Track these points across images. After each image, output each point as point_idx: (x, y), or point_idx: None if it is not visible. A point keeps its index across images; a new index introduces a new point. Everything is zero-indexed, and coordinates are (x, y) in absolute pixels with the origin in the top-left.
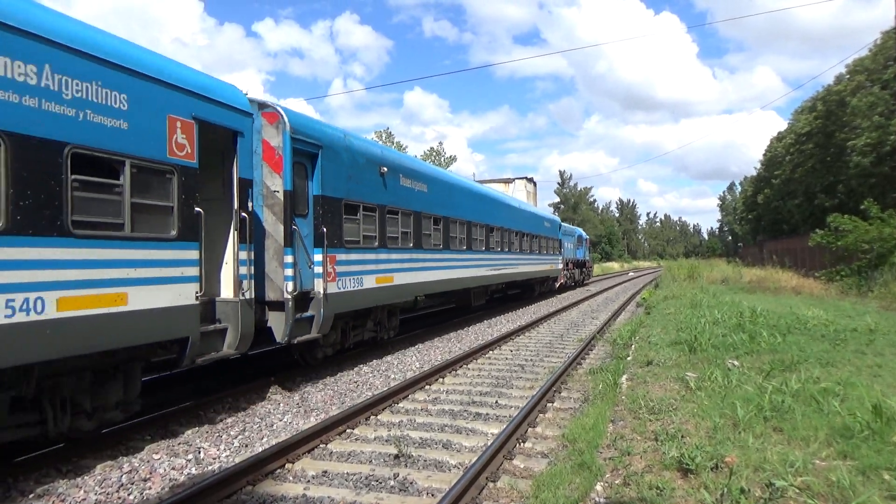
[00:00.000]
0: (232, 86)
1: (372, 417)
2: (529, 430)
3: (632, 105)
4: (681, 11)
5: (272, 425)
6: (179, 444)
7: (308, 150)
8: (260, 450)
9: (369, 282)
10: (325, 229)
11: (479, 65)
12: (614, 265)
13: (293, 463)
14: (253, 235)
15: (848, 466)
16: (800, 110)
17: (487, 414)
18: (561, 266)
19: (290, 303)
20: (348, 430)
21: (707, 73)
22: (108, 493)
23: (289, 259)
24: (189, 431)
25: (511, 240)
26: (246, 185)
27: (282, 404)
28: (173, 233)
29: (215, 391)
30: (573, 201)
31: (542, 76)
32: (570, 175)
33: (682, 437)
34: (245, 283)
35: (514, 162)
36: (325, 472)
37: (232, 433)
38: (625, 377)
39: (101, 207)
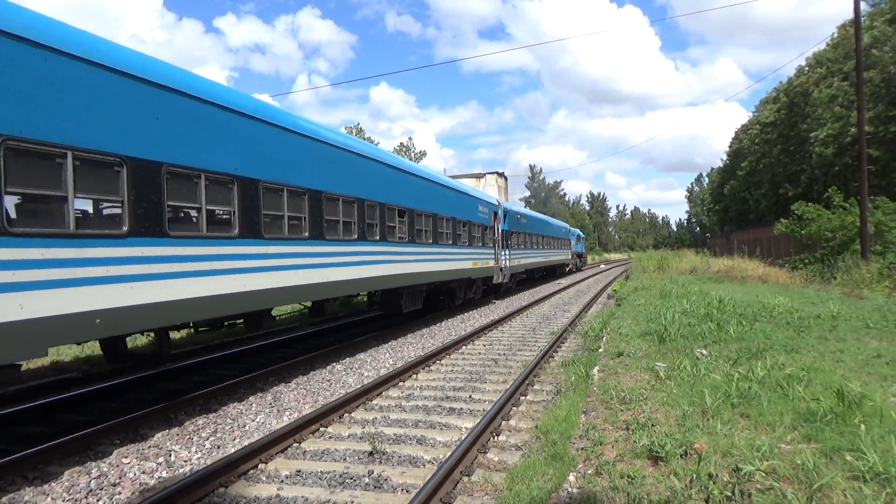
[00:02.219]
0: (490, 197)
1: (346, 415)
2: (503, 423)
3: (598, 99)
4: (643, 5)
5: (244, 426)
6: (150, 447)
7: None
8: (232, 451)
9: (524, 261)
10: (508, 241)
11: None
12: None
13: (266, 463)
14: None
15: (812, 449)
16: (765, 101)
17: (461, 409)
18: (570, 257)
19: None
20: (322, 429)
21: (670, 66)
22: (76, 500)
23: (502, 254)
24: (160, 434)
25: (549, 243)
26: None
27: (254, 404)
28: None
29: (186, 393)
30: (543, 195)
31: (509, 70)
32: (541, 169)
33: (653, 425)
34: (502, 262)
35: (483, 157)
36: (299, 471)
37: (203, 435)
38: (596, 369)
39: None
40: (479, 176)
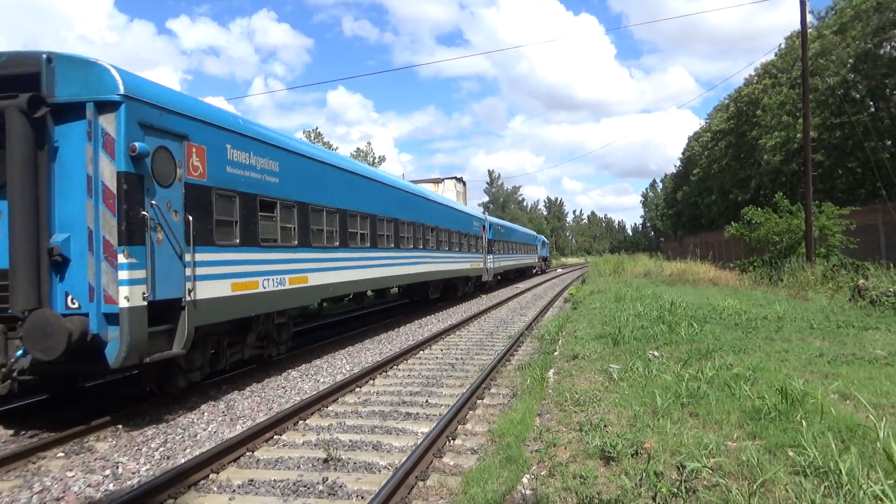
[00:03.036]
0: (479, 213)
1: (300, 422)
2: (459, 427)
3: (554, 105)
4: (599, 13)
5: (196, 435)
6: (96, 459)
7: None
8: (182, 461)
9: (503, 263)
10: (491, 248)
11: (403, 65)
12: None
13: (217, 473)
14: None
15: (757, 446)
16: (717, 109)
17: (418, 413)
18: (537, 261)
19: (487, 270)
20: (276, 437)
21: (625, 73)
22: None
23: (488, 259)
24: (107, 446)
25: (521, 249)
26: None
27: (206, 413)
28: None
29: (134, 403)
30: (502, 200)
31: (467, 76)
32: (499, 175)
33: (605, 426)
34: (488, 264)
35: (442, 161)
36: (252, 480)
37: (153, 446)
38: (552, 371)
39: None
40: (437, 181)
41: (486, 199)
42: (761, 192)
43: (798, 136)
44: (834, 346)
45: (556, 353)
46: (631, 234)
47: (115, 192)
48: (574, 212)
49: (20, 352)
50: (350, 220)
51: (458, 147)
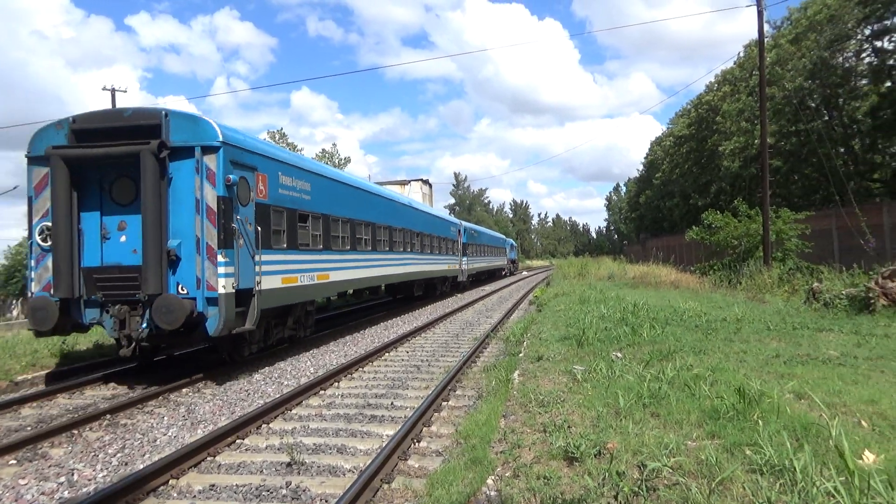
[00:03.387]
0: (455, 219)
1: (264, 426)
2: (424, 429)
3: (519, 108)
4: (563, 18)
5: (155, 440)
6: (50, 466)
7: (464, 230)
8: (141, 467)
9: (475, 265)
10: (465, 251)
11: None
12: None
13: (178, 479)
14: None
15: (715, 445)
16: (679, 115)
17: (383, 416)
18: (506, 263)
19: (462, 271)
20: (238, 441)
21: (588, 78)
22: None
23: (462, 261)
24: (62, 452)
25: (492, 251)
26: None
27: (166, 418)
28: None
29: (91, 408)
30: (468, 202)
31: (433, 79)
32: (465, 177)
33: (569, 427)
34: (463, 266)
35: (407, 164)
36: (213, 485)
37: (110, 451)
38: (517, 373)
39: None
40: (403, 183)
41: (453, 201)
42: (721, 197)
43: (756, 142)
44: (790, 347)
45: (521, 355)
46: (595, 237)
47: (215, 210)
48: (539, 214)
49: (144, 324)
50: (357, 228)
51: (424, 149)
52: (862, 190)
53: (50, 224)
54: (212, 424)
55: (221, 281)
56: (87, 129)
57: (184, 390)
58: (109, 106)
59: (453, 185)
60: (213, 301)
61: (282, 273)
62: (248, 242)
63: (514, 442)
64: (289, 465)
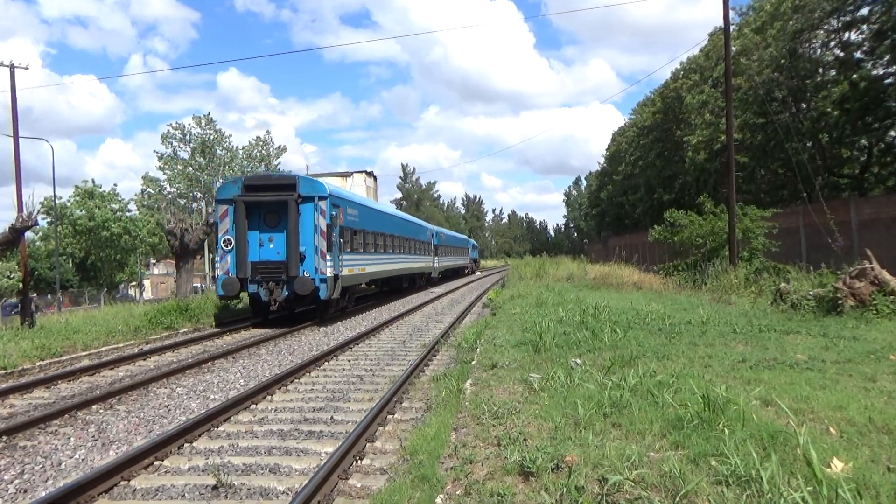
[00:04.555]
0: (429, 224)
1: (186, 445)
2: (367, 445)
3: (470, 95)
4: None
5: (60, 464)
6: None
7: (436, 233)
8: (43, 494)
9: (444, 264)
10: (437, 252)
11: (303, 47)
12: None
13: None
14: (433, 253)
15: (679, 456)
16: (642, 104)
17: (321, 431)
18: (469, 262)
19: (434, 268)
20: (157, 462)
21: (544, 64)
22: None
23: (434, 260)
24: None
25: (458, 252)
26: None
27: (73, 438)
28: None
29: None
30: (417, 197)
31: (376, 61)
32: (413, 169)
33: (525, 440)
34: (435, 264)
35: (349, 154)
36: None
37: (6, 478)
38: (469, 382)
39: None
40: (345, 175)
41: (399, 195)
42: (686, 192)
43: (722, 137)
44: (756, 351)
45: (473, 363)
46: (553, 235)
47: (325, 231)
48: (494, 210)
49: (285, 292)
50: (378, 238)
51: (368, 139)
52: (829, 185)
53: (229, 237)
54: (126, 444)
55: (328, 269)
56: (252, 185)
57: (93, 407)
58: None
59: (400, 177)
60: (323, 280)
61: (349, 266)
62: (336, 248)
63: (466, 457)
64: (215, 487)
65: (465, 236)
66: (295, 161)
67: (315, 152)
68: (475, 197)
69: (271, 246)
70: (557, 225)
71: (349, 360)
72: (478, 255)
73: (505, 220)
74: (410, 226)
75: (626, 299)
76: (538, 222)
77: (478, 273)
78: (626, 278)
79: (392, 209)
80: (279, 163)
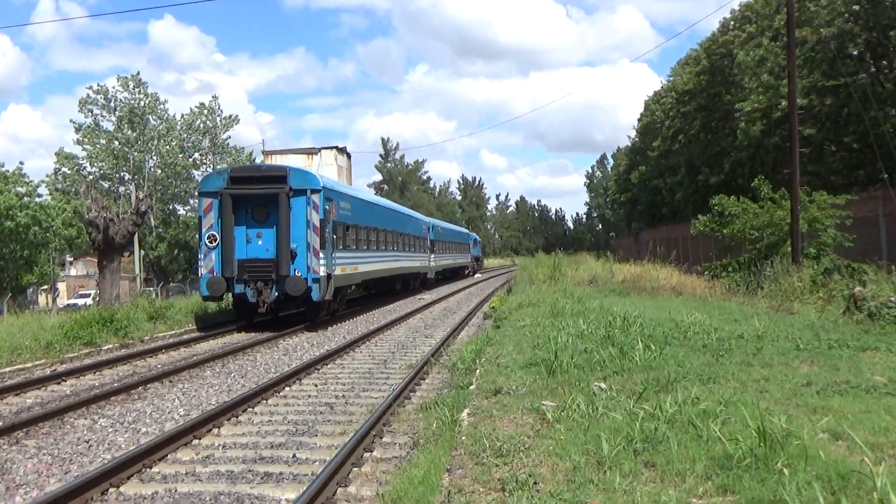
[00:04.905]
0: (424, 217)
1: (111, 490)
2: (339, 490)
3: (468, 52)
4: None
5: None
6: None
7: (432, 227)
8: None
9: (442, 262)
10: (433, 248)
11: None
12: None
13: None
14: (429, 251)
15: (728, 503)
16: (682, 63)
17: (281, 473)
18: (470, 260)
19: (430, 268)
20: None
21: (560, 12)
22: None
23: (430, 258)
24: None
25: (457, 248)
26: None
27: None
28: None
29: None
30: (401, 180)
31: (349, 8)
32: (396, 144)
33: (535, 483)
34: (431, 263)
35: (316, 125)
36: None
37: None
38: (466, 412)
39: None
40: (311, 152)
41: (379, 177)
42: (738, 173)
43: (783, 103)
44: (825, 372)
45: (472, 388)
46: (572, 227)
47: (318, 227)
48: (497, 196)
49: (275, 293)
50: (371, 233)
51: (339, 106)
52: None
53: (214, 233)
54: (36, 489)
55: (321, 268)
56: (238, 177)
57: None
58: None
59: (380, 155)
60: (316, 280)
61: (343, 264)
62: (330, 245)
63: None
64: None
65: (465, 230)
66: (248, 135)
67: (272, 123)
68: (474, 180)
69: (260, 243)
70: (577, 215)
71: (317, 384)
72: (480, 251)
73: (512, 209)
74: (404, 219)
75: (662, 308)
76: (553, 211)
77: (478, 275)
78: (663, 281)
79: (385, 201)
80: (228, 137)
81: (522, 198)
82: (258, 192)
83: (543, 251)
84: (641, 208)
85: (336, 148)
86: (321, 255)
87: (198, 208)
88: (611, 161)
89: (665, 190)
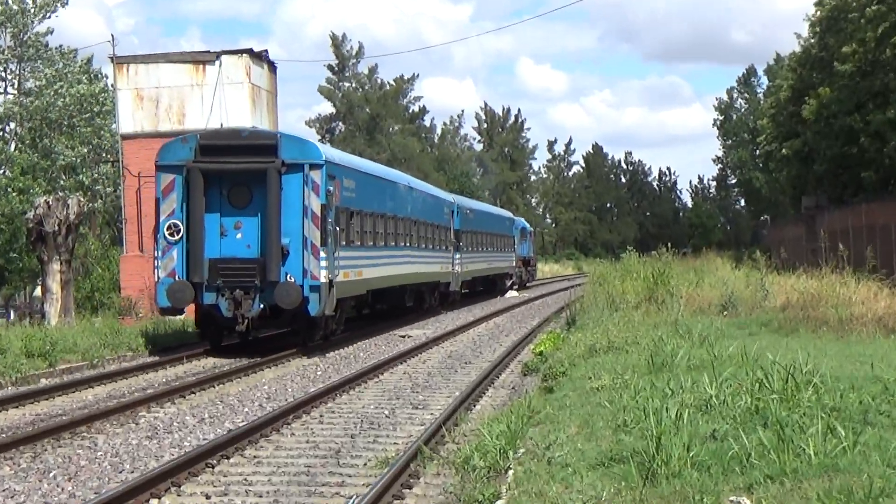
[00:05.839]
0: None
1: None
2: None
3: None
4: None
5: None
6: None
7: (457, 209)
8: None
9: (471, 266)
10: (459, 243)
11: None
12: None
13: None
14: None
15: None
16: None
17: None
18: (514, 264)
19: (455, 274)
20: None
21: None
22: None
23: (455, 258)
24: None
25: (493, 243)
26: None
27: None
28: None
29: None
30: (368, 111)
31: None
32: (360, 48)
33: None
34: (455, 266)
35: (208, 11)
36: None
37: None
38: None
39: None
40: (201, 59)
41: (328, 107)
42: None
43: None
44: None
45: None
46: (690, 204)
47: (319, 215)
48: (551, 147)
49: (258, 305)
50: (378, 223)
51: None
52: None
53: (177, 222)
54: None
55: (322, 273)
56: (211, 146)
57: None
58: None
59: (330, 66)
60: (315, 288)
61: (347, 267)
62: (333, 240)
63: None
64: None
65: (506, 212)
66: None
67: (131, 9)
68: (506, 114)
69: (239, 236)
70: (700, 181)
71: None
72: (531, 248)
73: (577, 169)
74: (421, 199)
75: (859, 356)
76: (655, 175)
77: (523, 294)
78: (861, 307)
79: (395, 173)
80: (49, 32)
81: (598, 147)
82: (238, 168)
83: (635, 249)
84: (820, 169)
85: (249, 53)
86: (322, 254)
87: (155, 188)
88: (763, 81)
89: (866, 136)
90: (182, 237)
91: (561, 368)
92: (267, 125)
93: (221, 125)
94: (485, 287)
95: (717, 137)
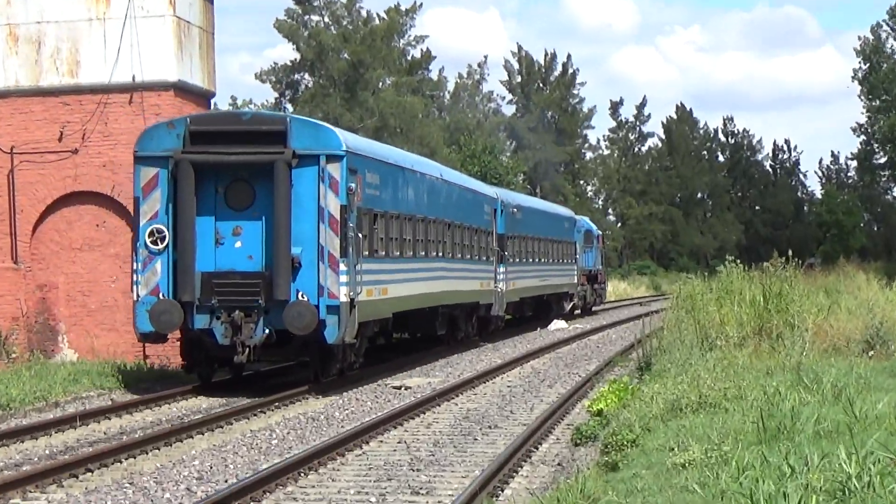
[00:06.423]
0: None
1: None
2: None
3: None
4: None
5: None
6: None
7: (500, 207)
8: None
9: (520, 283)
10: (503, 252)
11: None
12: None
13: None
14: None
15: None
16: None
17: None
18: (576, 280)
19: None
20: None
21: None
22: None
23: (499, 272)
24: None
25: (549, 252)
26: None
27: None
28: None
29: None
30: (351, 60)
31: None
32: None
33: None
34: (499, 284)
35: None
36: None
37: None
38: None
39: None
40: None
41: (294, 53)
42: None
43: None
44: None
45: None
46: (820, 193)
47: (338, 219)
48: (614, 109)
49: (263, 330)
50: (406, 226)
51: None
52: None
53: (161, 227)
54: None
55: (341, 290)
56: (204, 132)
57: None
58: None
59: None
60: (333, 309)
61: (371, 284)
62: (354, 249)
63: None
64: None
65: (565, 209)
66: None
67: None
68: (550, 61)
69: (238, 245)
70: (834, 162)
71: None
72: (600, 257)
73: (653, 142)
74: (457, 194)
75: None
76: (768, 151)
77: (583, 323)
78: None
79: (424, 161)
80: None
81: (682, 112)
82: (237, 159)
83: (738, 259)
84: None
85: None
86: (342, 266)
87: (134, 186)
88: None
89: None
90: (167, 246)
91: (629, 435)
92: (199, 78)
93: (133, 78)
94: (536, 310)
95: (859, 96)
